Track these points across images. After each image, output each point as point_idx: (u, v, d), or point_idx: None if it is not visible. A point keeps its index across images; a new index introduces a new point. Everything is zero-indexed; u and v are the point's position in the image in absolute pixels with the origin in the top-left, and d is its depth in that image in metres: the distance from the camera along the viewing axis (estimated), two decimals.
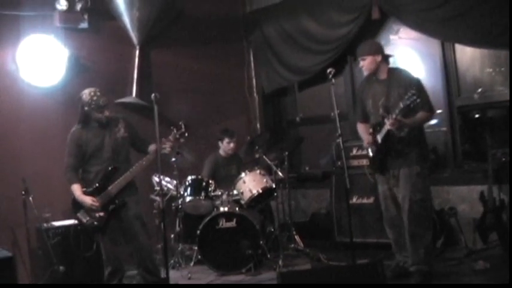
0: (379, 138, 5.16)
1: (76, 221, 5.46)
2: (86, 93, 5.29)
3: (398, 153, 5.12)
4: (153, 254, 5.63)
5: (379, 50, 5.26)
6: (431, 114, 5.19)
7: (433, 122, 6.16)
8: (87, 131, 5.36)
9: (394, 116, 4.90)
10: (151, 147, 5.40)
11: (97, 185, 5.28)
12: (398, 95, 5.03)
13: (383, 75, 5.24)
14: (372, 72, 5.27)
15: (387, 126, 4.99)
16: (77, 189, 5.27)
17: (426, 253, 5.12)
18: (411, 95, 4.79)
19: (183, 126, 5.29)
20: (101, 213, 5.26)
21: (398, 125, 4.94)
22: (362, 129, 5.47)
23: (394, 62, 5.63)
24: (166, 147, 5.29)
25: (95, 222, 5.29)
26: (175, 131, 5.28)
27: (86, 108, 5.28)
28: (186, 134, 5.32)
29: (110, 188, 5.28)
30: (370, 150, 5.35)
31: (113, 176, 5.30)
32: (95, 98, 5.25)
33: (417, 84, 5.09)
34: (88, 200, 5.22)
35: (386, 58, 5.31)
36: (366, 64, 5.26)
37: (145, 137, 5.55)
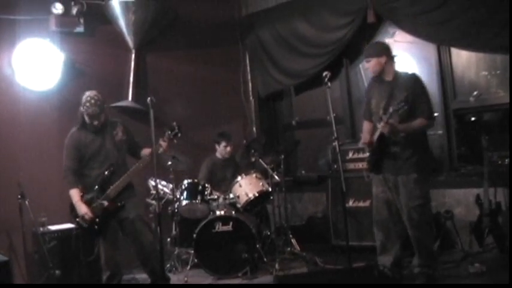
0: (374, 139, 5.17)
1: (76, 225, 5.44)
2: (85, 95, 5.30)
3: (396, 157, 5.09)
4: (157, 253, 5.61)
5: (383, 52, 5.17)
6: (428, 122, 5.09)
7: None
8: (85, 134, 5.36)
9: (385, 119, 4.89)
10: (145, 151, 5.45)
11: (96, 188, 5.28)
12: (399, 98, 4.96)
13: (389, 77, 5.18)
14: (378, 73, 5.22)
15: (380, 129, 5.01)
16: (75, 194, 5.28)
17: (429, 256, 5.12)
18: (400, 101, 4.77)
19: (176, 127, 5.30)
20: (97, 220, 5.26)
21: (389, 129, 4.92)
22: (365, 127, 5.42)
23: None
24: (161, 147, 5.30)
25: (96, 226, 5.30)
26: (169, 132, 5.30)
27: (80, 108, 5.31)
28: (179, 135, 5.34)
29: (108, 191, 5.28)
30: (366, 149, 5.36)
31: (111, 179, 5.30)
32: (87, 104, 5.24)
33: (420, 91, 5.05)
34: (83, 209, 5.23)
35: (392, 59, 5.23)
36: (371, 66, 5.21)
37: (138, 141, 5.59)
